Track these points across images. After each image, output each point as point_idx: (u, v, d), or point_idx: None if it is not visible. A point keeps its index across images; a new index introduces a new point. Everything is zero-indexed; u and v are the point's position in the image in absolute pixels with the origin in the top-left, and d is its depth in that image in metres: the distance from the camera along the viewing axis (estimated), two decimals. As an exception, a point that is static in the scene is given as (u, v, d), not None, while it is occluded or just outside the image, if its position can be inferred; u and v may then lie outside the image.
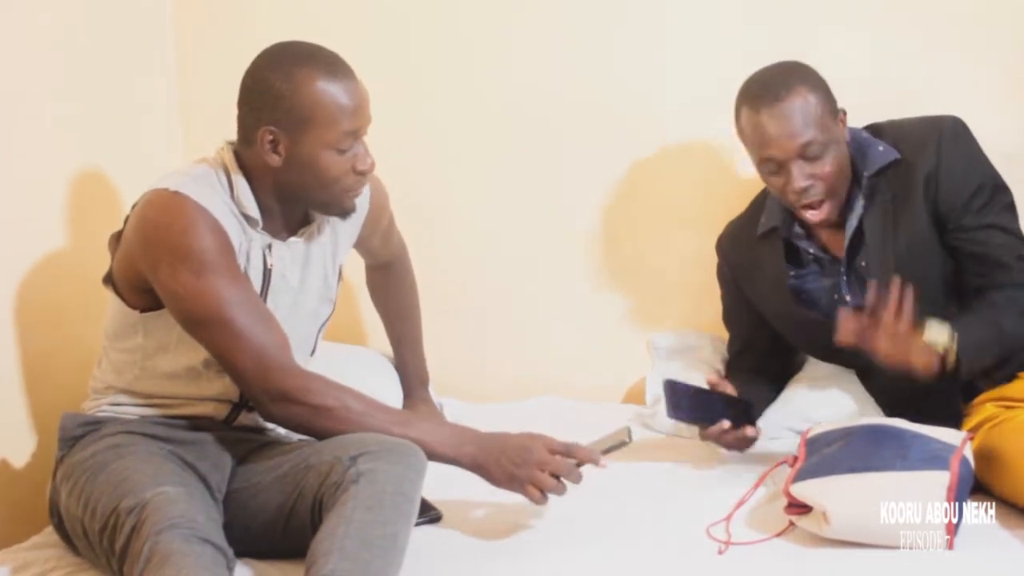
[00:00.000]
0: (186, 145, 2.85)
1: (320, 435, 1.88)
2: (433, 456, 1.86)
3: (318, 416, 1.85)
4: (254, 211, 1.94)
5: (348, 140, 1.91)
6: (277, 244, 1.99)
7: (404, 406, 2.53)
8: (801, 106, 2.14)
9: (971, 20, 2.51)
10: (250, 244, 1.95)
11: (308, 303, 2.07)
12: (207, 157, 1.99)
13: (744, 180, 2.40)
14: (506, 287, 2.82)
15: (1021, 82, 2.50)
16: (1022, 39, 2.49)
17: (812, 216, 2.19)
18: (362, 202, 2.11)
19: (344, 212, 2.00)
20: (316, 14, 2.80)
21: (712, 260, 2.54)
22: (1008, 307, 2.10)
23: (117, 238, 1.98)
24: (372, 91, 2.76)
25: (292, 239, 2.02)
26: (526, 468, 1.87)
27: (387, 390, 2.52)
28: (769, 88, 2.16)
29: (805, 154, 2.13)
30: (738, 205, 2.49)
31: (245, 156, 1.95)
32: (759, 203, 2.38)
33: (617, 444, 1.96)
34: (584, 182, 2.75)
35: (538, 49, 2.73)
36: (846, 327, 2.01)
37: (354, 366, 2.54)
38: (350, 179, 1.95)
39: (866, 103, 2.37)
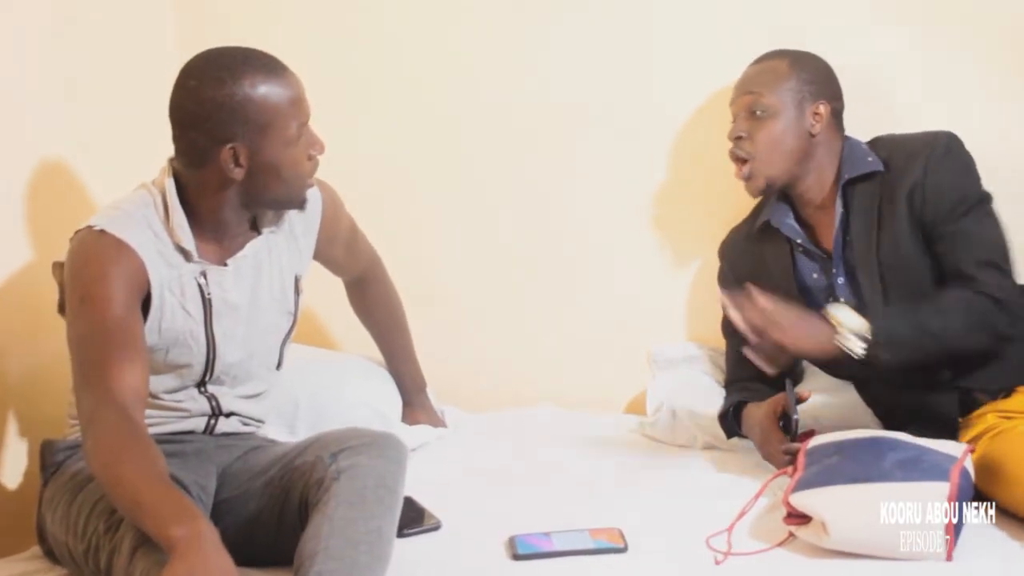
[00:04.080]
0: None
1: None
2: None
3: (88, 452, 1.74)
4: (188, 243, 1.92)
5: (302, 131, 1.92)
6: (213, 270, 1.96)
7: (404, 413, 2.55)
8: (770, 69, 2.31)
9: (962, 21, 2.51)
10: (181, 277, 1.93)
11: (265, 318, 2.05)
12: (147, 183, 1.97)
13: (745, 196, 2.40)
14: (507, 297, 2.82)
15: (1011, 85, 2.51)
16: (1015, 40, 2.49)
17: (738, 175, 2.32)
18: (313, 210, 2.11)
19: (302, 203, 1.99)
20: (310, 16, 2.81)
21: (712, 272, 2.54)
22: (951, 306, 2.11)
23: (61, 267, 1.95)
24: (366, 95, 2.80)
25: (232, 260, 1.99)
26: None
27: (388, 397, 2.53)
28: (764, 53, 2.36)
29: (751, 108, 2.29)
30: (740, 217, 2.50)
31: (191, 178, 1.93)
32: (759, 209, 2.42)
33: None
34: (586, 193, 2.74)
35: (544, 52, 2.72)
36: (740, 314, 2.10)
37: (358, 374, 2.56)
38: (307, 166, 1.96)
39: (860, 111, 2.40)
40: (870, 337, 2.06)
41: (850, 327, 2.07)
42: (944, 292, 2.14)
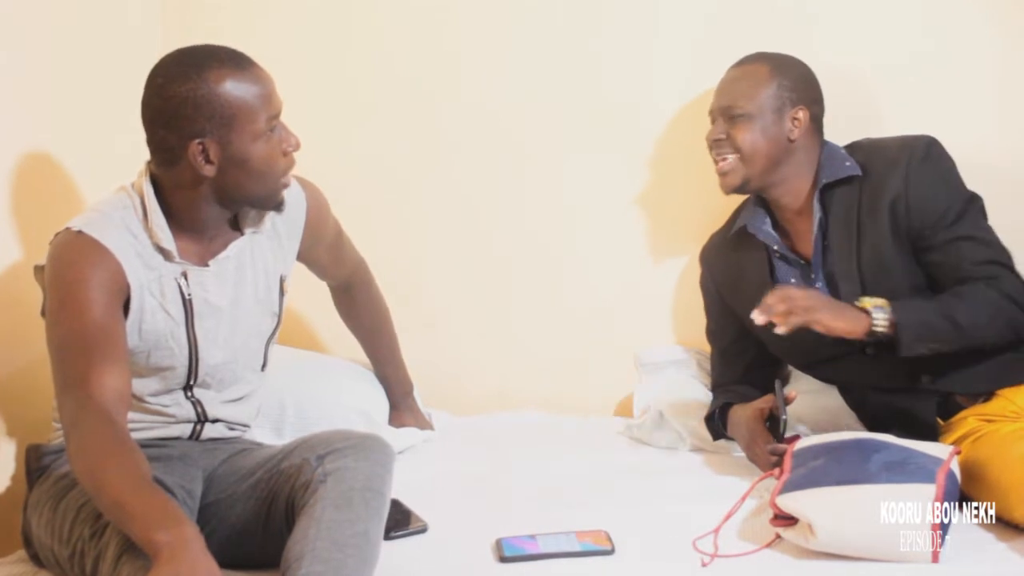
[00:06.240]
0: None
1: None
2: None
3: (71, 456, 1.74)
4: (168, 243, 1.92)
5: (271, 125, 1.91)
6: (193, 271, 1.96)
7: (391, 416, 2.55)
8: (750, 74, 2.31)
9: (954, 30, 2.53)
10: (161, 278, 1.92)
11: (248, 319, 2.04)
12: (126, 186, 1.97)
13: (731, 198, 2.41)
14: (494, 300, 2.82)
15: (1004, 94, 2.52)
16: (1006, 50, 2.50)
17: (718, 170, 2.33)
18: (298, 210, 2.10)
19: (279, 204, 1.98)
20: (299, 16, 2.81)
21: (698, 276, 2.55)
22: (975, 299, 2.12)
23: (43, 270, 1.94)
24: (354, 95, 2.79)
25: (214, 260, 1.98)
26: None
27: (375, 399, 2.53)
28: (745, 56, 2.36)
29: (729, 114, 2.30)
30: (725, 221, 2.50)
31: (166, 178, 1.92)
32: (737, 214, 2.43)
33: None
34: (572, 195, 2.75)
35: (531, 55, 2.73)
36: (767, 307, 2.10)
37: (344, 376, 2.56)
38: (281, 163, 1.94)
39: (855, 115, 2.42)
40: (894, 317, 2.08)
41: (878, 310, 2.09)
42: (965, 287, 2.14)
